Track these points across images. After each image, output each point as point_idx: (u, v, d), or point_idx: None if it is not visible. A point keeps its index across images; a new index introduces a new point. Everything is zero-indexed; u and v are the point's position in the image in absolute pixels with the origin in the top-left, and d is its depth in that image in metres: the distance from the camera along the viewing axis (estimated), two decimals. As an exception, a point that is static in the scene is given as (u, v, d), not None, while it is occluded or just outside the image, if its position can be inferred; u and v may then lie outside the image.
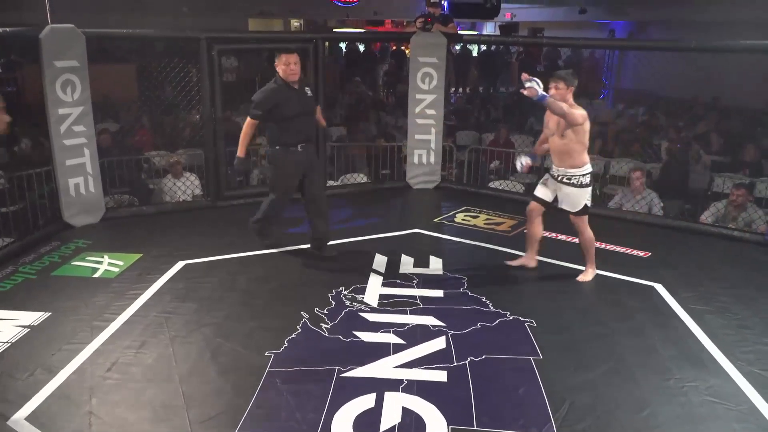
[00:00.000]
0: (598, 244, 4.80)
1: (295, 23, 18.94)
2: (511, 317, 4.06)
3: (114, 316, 3.99)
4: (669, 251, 5.33)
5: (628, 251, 5.30)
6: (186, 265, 4.79)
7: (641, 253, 5.26)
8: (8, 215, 5.58)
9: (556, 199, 4.65)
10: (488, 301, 4.28)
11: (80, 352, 3.56)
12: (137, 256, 4.95)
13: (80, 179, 5.58)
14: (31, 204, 5.52)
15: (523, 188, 7.14)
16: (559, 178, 4.52)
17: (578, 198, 4.52)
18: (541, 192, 4.70)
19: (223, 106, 6.24)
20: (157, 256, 4.96)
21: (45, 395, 3.16)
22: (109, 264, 4.78)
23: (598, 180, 7.28)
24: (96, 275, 4.61)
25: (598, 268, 4.75)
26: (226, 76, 8.55)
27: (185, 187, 6.49)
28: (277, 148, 4.74)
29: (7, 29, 5.09)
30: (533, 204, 4.75)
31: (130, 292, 4.32)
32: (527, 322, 3.99)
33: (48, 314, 4.00)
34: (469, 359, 3.54)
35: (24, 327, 3.83)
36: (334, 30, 16.84)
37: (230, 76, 10.43)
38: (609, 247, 5.32)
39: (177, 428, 2.93)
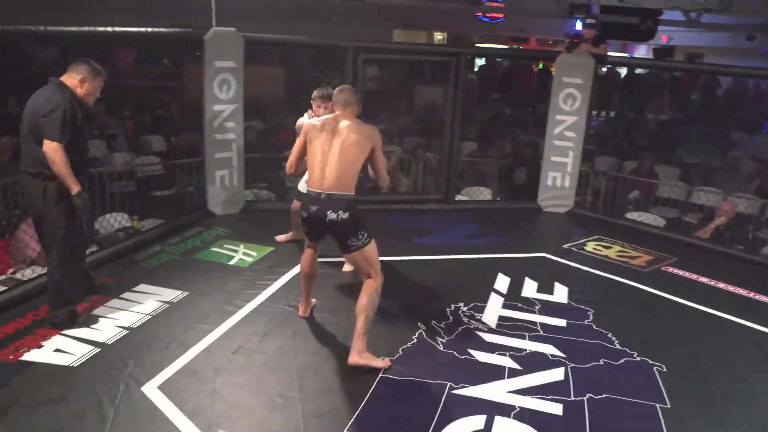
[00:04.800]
0: (745, 293, 4.41)
1: (438, 36, 19.16)
2: (639, 358, 3.83)
3: (243, 303, 4.24)
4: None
5: (781, 304, 4.83)
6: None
7: (796, 308, 4.77)
8: (161, 199, 6.14)
9: None
10: (614, 338, 4.07)
11: (210, 332, 3.82)
12: (270, 248, 5.23)
13: (226, 172, 6.00)
14: (181, 191, 6.02)
15: (664, 222, 6.73)
16: None
17: None
18: None
19: (364, 113, 6.44)
20: (287, 251, 5.21)
21: (176, 368, 3.42)
22: (244, 253, 5.09)
23: (752, 222, 6.70)
24: (231, 263, 4.93)
25: (744, 317, 4.36)
26: (367, 85, 8.82)
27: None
28: None
29: (178, 30, 5.62)
30: None
31: (259, 282, 4.58)
32: (656, 366, 3.75)
33: (186, 293, 4.33)
34: (588, 396, 3.38)
35: (164, 303, 4.18)
36: (476, 45, 16.84)
37: (372, 85, 10.76)
38: (759, 297, 4.87)
39: (290, 418, 3.06)
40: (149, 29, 5.21)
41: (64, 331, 3.69)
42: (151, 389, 3.21)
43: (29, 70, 7.77)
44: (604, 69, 11.62)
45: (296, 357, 3.62)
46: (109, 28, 4.82)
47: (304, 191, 4.62)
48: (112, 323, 3.85)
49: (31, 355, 3.43)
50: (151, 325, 3.89)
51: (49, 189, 3.59)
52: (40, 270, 4.35)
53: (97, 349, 3.54)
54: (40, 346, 3.52)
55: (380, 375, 3.46)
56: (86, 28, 4.68)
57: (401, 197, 7.13)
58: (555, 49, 11.12)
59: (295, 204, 4.96)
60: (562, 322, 4.25)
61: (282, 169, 7.26)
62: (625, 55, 18.09)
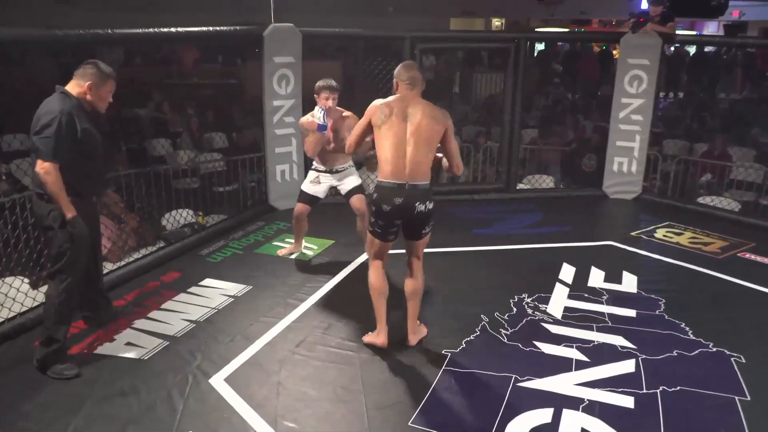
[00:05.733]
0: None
1: (496, 22, 18.85)
2: (715, 349, 3.65)
3: (305, 296, 4.28)
4: None
5: None
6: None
7: None
8: (224, 195, 6.28)
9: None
10: (688, 328, 3.89)
11: (274, 325, 3.88)
12: (330, 242, 5.27)
13: (286, 166, 6.07)
14: (243, 186, 6.14)
15: (739, 207, 6.40)
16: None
17: None
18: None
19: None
20: (347, 244, 5.22)
21: (241, 361, 3.48)
22: (305, 247, 5.14)
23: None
24: (293, 256, 4.98)
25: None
26: (425, 74, 8.76)
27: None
28: None
29: (238, 28, 5.70)
30: None
31: (321, 276, 4.61)
32: (734, 356, 3.56)
33: (249, 287, 4.41)
34: (661, 388, 3.25)
35: (229, 296, 4.27)
36: (536, 30, 16.47)
37: (429, 75, 10.68)
38: None
39: (354, 411, 3.06)
40: (211, 28, 5.30)
41: (135, 325, 3.82)
42: (218, 381, 3.28)
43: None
44: (672, 48, 11.17)
45: (358, 349, 3.62)
46: (173, 29, 4.92)
47: (312, 192, 4.73)
48: (180, 317, 3.96)
49: (104, 349, 3.56)
50: (217, 318, 3.98)
51: (54, 211, 3.22)
52: (111, 266, 4.52)
53: (167, 342, 3.65)
54: (113, 340, 3.66)
55: (444, 367, 3.42)
56: (151, 30, 4.78)
57: (461, 187, 7.04)
58: (619, 29, 10.75)
59: (301, 208, 4.77)
60: (631, 313, 4.10)
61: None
62: (694, 33, 17.31)
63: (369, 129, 3.51)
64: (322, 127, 4.41)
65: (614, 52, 10.66)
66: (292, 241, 5.15)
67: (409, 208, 3.38)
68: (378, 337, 3.62)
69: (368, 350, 3.61)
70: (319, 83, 4.51)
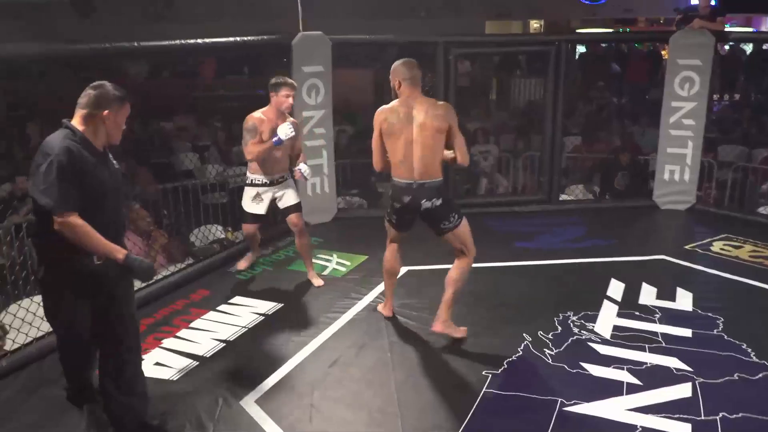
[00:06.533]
0: None
1: (534, 24, 18.77)
2: (780, 372, 3.56)
3: (338, 314, 4.31)
4: None
5: None
6: (409, 270, 4.99)
7: None
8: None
9: None
10: (750, 350, 3.79)
11: (306, 345, 3.91)
12: (363, 257, 5.30)
13: (317, 179, 6.13)
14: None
15: (805, 217, 6.24)
16: None
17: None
18: None
19: (457, 111, 6.40)
20: (381, 259, 5.22)
21: (272, 382, 3.52)
22: (337, 263, 5.18)
23: None
24: (324, 273, 5.02)
25: None
26: (460, 81, 8.78)
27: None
28: None
29: (265, 37, 5.81)
30: None
31: (354, 293, 4.64)
32: (802, 380, 3.47)
33: (280, 305, 4.46)
34: (721, 415, 3.17)
35: (260, 315, 4.33)
36: (577, 31, 16.35)
37: (464, 80, 10.68)
38: None
39: (390, 435, 3.07)
40: (237, 39, 5.41)
41: (164, 344, 3.89)
42: (248, 403, 3.32)
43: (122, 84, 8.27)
44: (727, 47, 10.96)
45: (394, 370, 3.63)
46: (199, 40, 5.04)
47: (256, 211, 4.67)
48: (210, 336, 4.03)
49: (134, 369, 3.63)
50: (247, 337, 4.04)
51: (38, 273, 2.82)
52: (138, 284, 4.60)
53: (196, 363, 3.71)
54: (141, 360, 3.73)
55: (484, 389, 3.40)
56: (177, 42, 4.91)
57: (500, 199, 7.02)
58: (667, 28, 10.62)
59: (251, 228, 4.83)
60: (687, 332, 4.02)
61: (374, 173, 7.34)
62: (750, 29, 16.97)
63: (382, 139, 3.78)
64: (279, 142, 4.38)
65: (663, 52, 10.52)
66: (325, 256, 5.20)
67: (416, 206, 3.73)
68: (384, 308, 4.27)
69: (404, 371, 3.62)
70: (279, 79, 4.44)
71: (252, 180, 4.66)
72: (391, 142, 3.72)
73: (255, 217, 4.74)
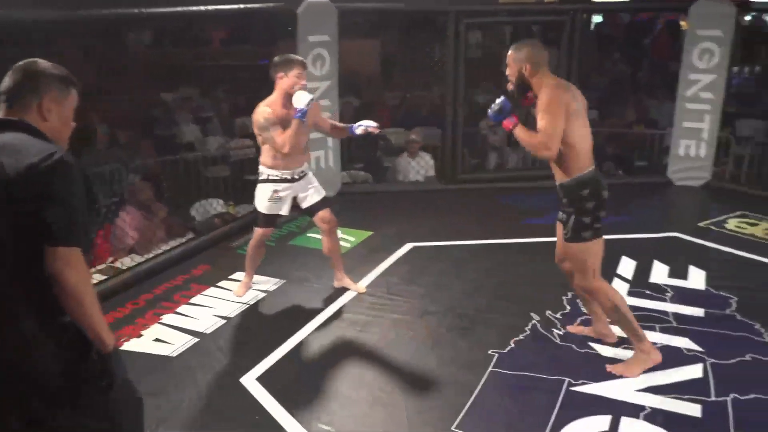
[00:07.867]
0: None
1: (549, -6, 18.49)
2: (795, 353, 3.53)
3: (342, 291, 4.30)
4: None
5: None
6: (414, 247, 4.98)
7: None
8: (255, 183, 6.33)
9: None
10: (764, 330, 3.76)
11: (307, 323, 3.90)
12: (368, 233, 5.28)
13: (321, 153, 6.10)
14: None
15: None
16: None
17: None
18: None
19: (466, 83, 6.34)
20: (386, 235, 5.23)
21: (274, 359, 3.52)
22: (342, 239, 5.15)
23: None
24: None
25: None
26: (470, 53, 8.68)
27: (419, 167, 6.74)
28: None
29: (271, 4, 5.73)
30: None
31: (358, 269, 4.62)
32: (817, 362, 3.44)
33: (283, 281, 4.46)
34: (732, 396, 3.15)
35: (261, 291, 4.32)
36: (593, 0, 16.06)
37: (474, 51, 10.54)
38: None
39: (393, 414, 3.07)
40: (241, 6, 5.34)
41: (163, 320, 3.90)
42: (249, 380, 3.32)
43: (124, 54, 8.19)
44: (748, 17, 10.74)
45: (398, 348, 3.62)
46: (202, 7, 4.98)
47: (274, 212, 4.01)
48: (210, 312, 4.03)
49: (132, 345, 3.65)
50: (248, 314, 4.04)
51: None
52: (139, 258, 4.62)
53: (196, 339, 3.72)
54: (140, 336, 3.75)
55: (490, 369, 3.40)
56: (179, 9, 4.85)
57: (510, 174, 6.96)
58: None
59: (264, 233, 4.17)
60: (699, 312, 4.00)
61: (379, 148, 7.30)
62: (773, 0, 16.63)
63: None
64: (302, 113, 3.73)
65: (682, 23, 10.33)
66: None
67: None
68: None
69: (408, 349, 3.61)
70: (289, 57, 3.90)
71: (268, 175, 4.00)
72: (578, 126, 3.17)
73: (270, 220, 4.13)
